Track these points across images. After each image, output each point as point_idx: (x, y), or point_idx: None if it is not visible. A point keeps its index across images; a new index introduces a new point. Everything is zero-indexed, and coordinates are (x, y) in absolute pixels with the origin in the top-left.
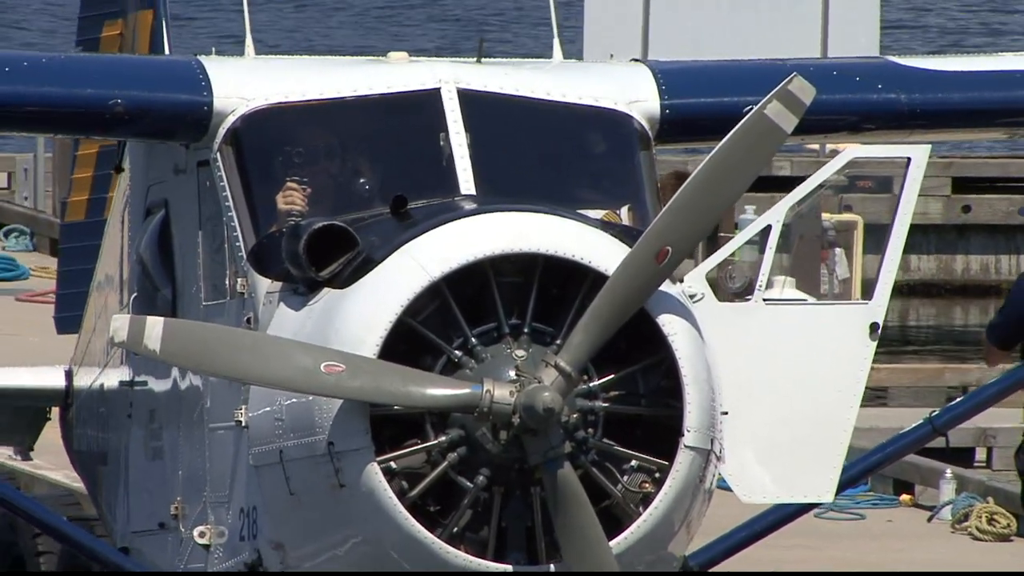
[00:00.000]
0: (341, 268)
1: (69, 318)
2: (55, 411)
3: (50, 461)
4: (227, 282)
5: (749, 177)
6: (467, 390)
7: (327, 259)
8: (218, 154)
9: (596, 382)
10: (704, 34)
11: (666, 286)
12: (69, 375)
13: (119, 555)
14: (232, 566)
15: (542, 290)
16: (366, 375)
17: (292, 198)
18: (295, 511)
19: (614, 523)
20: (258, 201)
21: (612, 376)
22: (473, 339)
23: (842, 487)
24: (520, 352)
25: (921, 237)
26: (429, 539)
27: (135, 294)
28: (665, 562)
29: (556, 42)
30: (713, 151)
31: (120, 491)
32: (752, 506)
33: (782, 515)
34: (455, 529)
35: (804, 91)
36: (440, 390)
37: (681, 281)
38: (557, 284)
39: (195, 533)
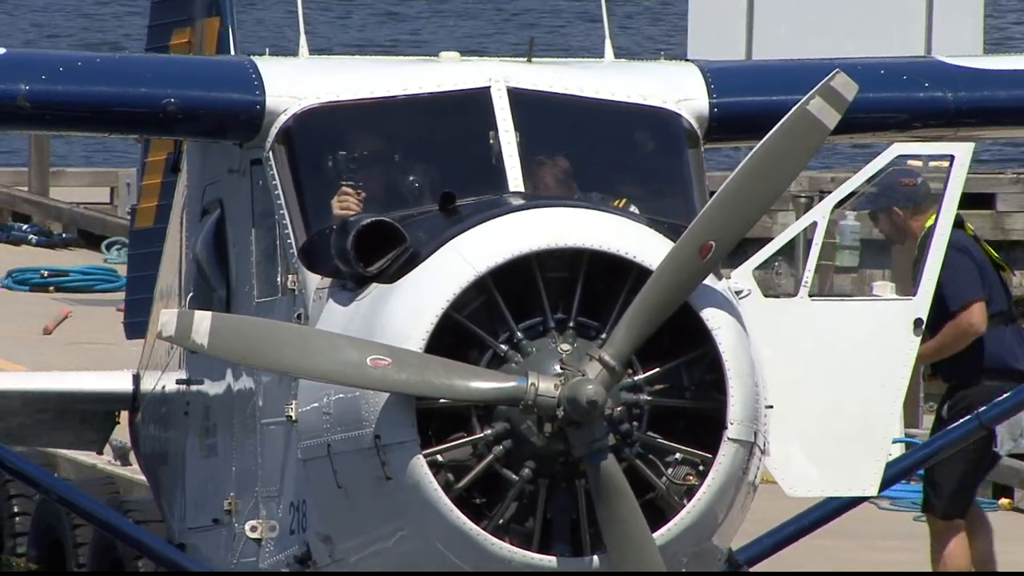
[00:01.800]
0: (389, 264)
1: (137, 324)
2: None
3: None
4: (279, 279)
5: (792, 173)
6: (512, 383)
7: (375, 255)
8: (270, 153)
9: (640, 376)
10: (808, 32)
11: (711, 281)
12: (136, 379)
13: (168, 547)
14: (282, 559)
15: (587, 285)
16: (412, 369)
17: (347, 203)
18: (342, 504)
19: (658, 515)
20: (309, 199)
21: (656, 370)
22: (519, 333)
23: (892, 482)
24: (565, 346)
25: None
26: (475, 531)
27: (191, 294)
28: (710, 554)
29: (607, 41)
30: (756, 147)
31: (178, 489)
32: (800, 501)
33: (829, 510)
34: (500, 521)
35: (847, 87)
36: (485, 383)
37: (728, 277)
38: (603, 279)
39: (247, 528)
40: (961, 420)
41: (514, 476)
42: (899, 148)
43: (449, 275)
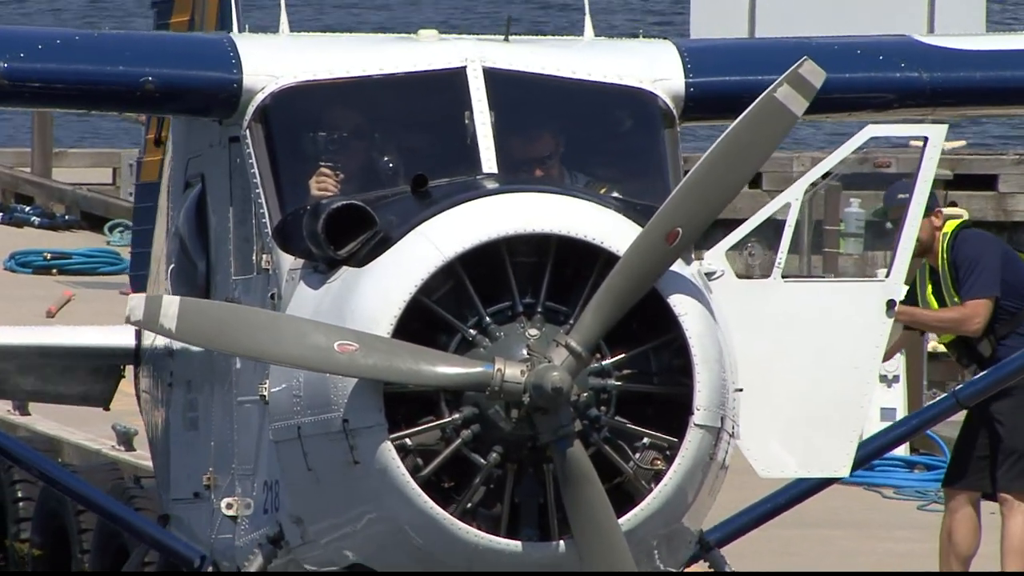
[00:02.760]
0: (359, 247)
1: (142, 277)
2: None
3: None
4: (254, 258)
5: (759, 159)
6: (479, 369)
7: (346, 238)
8: (247, 131)
9: (608, 361)
10: (811, 10)
11: (679, 267)
12: (139, 334)
13: (157, 529)
14: (256, 538)
15: (557, 271)
16: (379, 354)
17: (325, 183)
18: (313, 487)
19: (627, 499)
20: (285, 178)
21: (623, 355)
22: (487, 318)
23: (865, 460)
24: (533, 331)
25: None
26: (441, 515)
27: (172, 266)
28: (680, 537)
29: (587, 20)
30: (724, 133)
31: (164, 458)
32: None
33: (799, 492)
34: (468, 506)
35: (814, 74)
36: (452, 368)
37: (700, 259)
38: (572, 264)
39: (223, 505)
40: (938, 399)
41: (482, 460)
42: (872, 129)
43: (417, 260)
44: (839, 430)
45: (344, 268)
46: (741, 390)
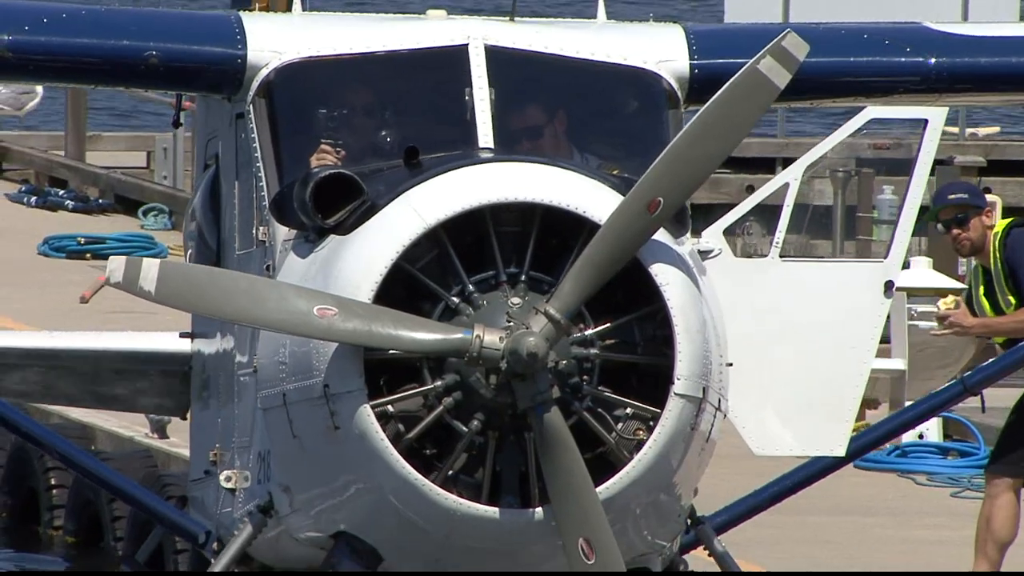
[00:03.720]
0: (347, 216)
1: None
2: None
3: (185, 439)
4: (253, 231)
5: (742, 131)
6: (457, 335)
7: (335, 207)
8: (251, 106)
9: (591, 331)
10: None
11: (664, 237)
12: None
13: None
14: (251, 509)
15: (543, 240)
16: (358, 319)
17: (325, 160)
18: (298, 454)
19: (610, 469)
20: (284, 151)
21: (606, 325)
22: (470, 286)
23: (874, 445)
24: (516, 300)
25: None
26: (420, 481)
27: (191, 249)
28: (667, 509)
29: (600, 3)
30: (707, 104)
31: (189, 443)
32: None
33: (801, 478)
34: (450, 473)
35: (798, 47)
36: (430, 334)
37: (698, 236)
38: (558, 235)
39: (222, 478)
40: (946, 385)
41: (464, 428)
42: (872, 112)
43: (400, 227)
44: (835, 409)
45: (332, 236)
46: (731, 364)
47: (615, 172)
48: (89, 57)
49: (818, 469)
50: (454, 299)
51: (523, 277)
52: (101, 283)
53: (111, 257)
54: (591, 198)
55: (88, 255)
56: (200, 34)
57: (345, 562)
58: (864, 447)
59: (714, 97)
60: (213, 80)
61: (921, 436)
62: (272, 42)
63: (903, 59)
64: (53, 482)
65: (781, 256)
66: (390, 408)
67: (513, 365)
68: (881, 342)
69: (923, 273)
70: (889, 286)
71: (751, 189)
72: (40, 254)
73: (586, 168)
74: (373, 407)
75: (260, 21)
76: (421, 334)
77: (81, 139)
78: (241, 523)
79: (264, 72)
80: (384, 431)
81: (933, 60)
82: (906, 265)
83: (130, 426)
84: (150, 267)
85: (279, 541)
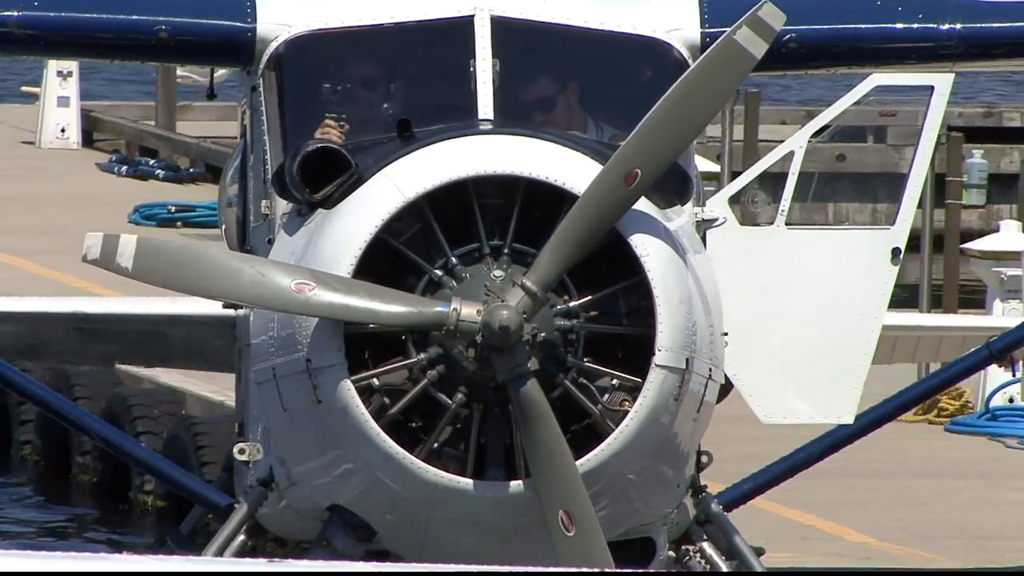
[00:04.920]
0: (334, 190)
1: None
2: None
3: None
4: (260, 205)
5: (719, 101)
6: (435, 309)
7: (324, 181)
8: (261, 79)
9: (575, 303)
10: None
11: (646, 207)
12: None
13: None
14: (252, 483)
15: (527, 213)
16: (335, 293)
17: (329, 133)
18: (289, 427)
19: (598, 440)
20: (290, 124)
21: (588, 297)
22: (453, 259)
23: (898, 412)
24: (498, 272)
25: None
26: (401, 454)
27: (224, 224)
28: (660, 478)
29: None
30: (684, 75)
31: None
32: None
33: (812, 453)
34: (434, 446)
35: (774, 17)
36: (408, 308)
37: (702, 206)
38: (542, 207)
39: (235, 451)
40: (972, 350)
41: (448, 401)
42: (877, 78)
43: (379, 201)
44: (843, 376)
45: (319, 211)
46: (726, 334)
47: (620, 143)
48: (98, 32)
49: (835, 440)
50: (437, 272)
51: (506, 250)
52: None
53: (88, 233)
54: (573, 170)
55: (179, 223)
56: (211, 7)
57: (339, 535)
58: (886, 414)
59: (691, 67)
60: (223, 54)
61: (1011, 400)
62: (283, 15)
63: (915, 25)
64: (144, 445)
65: (787, 224)
66: (375, 381)
67: (488, 338)
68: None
69: (1013, 237)
70: (896, 253)
71: (842, 158)
72: (131, 223)
73: (574, 139)
74: (355, 381)
75: None
76: (398, 307)
77: (172, 109)
78: (241, 498)
79: (274, 45)
80: (369, 404)
81: (946, 26)
82: (995, 229)
83: (220, 391)
84: (127, 243)
85: (284, 514)
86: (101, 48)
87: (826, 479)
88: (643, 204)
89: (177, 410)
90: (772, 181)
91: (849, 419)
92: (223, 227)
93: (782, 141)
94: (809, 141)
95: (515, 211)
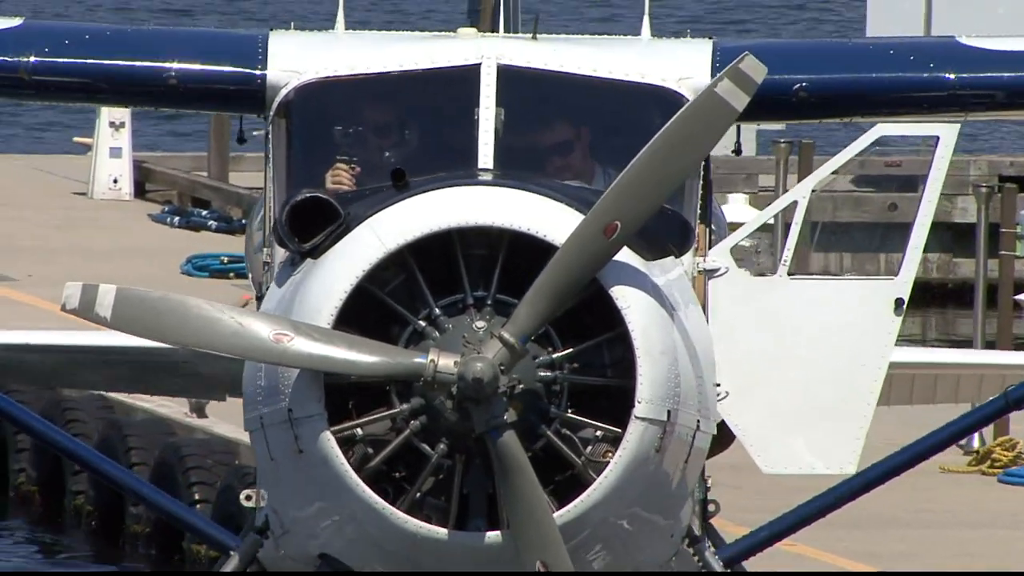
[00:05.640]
0: (323, 239)
1: None
2: None
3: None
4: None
5: (700, 154)
6: (413, 359)
7: (315, 230)
8: (270, 126)
9: (555, 354)
10: (988, 9)
11: (628, 259)
12: None
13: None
14: (247, 531)
15: (511, 264)
16: (314, 343)
17: (340, 177)
18: (276, 476)
19: (582, 491)
20: (294, 171)
21: (570, 349)
22: (436, 310)
23: (917, 460)
24: (480, 324)
25: None
26: (381, 505)
27: (251, 273)
28: (650, 528)
29: (646, 20)
30: (664, 127)
31: None
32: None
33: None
34: (417, 496)
35: (755, 70)
36: (385, 358)
37: (704, 256)
38: (527, 259)
39: (242, 497)
40: (990, 399)
41: (430, 451)
42: (882, 128)
43: (359, 252)
44: (845, 427)
45: (308, 260)
46: (719, 384)
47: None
48: (108, 78)
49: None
50: (421, 323)
51: (489, 301)
52: (244, 301)
53: (67, 283)
54: (557, 223)
55: (231, 274)
56: (223, 54)
57: None
58: (904, 463)
59: (672, 119)
60: (233, 100)
61: None
62: (294, 62)
63: (924, 75)
64: (194, 480)
65: (789, 274)
66: (359, 431)
67: (463, 389)
68: None
69: None
70: (899, 303)
71: (894, 207)
72: (183, 273)
73: (566, 191)
74: (335, 432)
75: (287, 40)
76: (376, 358)
77: (224, 160)
78: (233, 549)
79: (284, 92)
80: (352, 454)
81: (954, 76)
82: None
83: None
84: (106, 293)
85: (284, 561)
86: (111, 94)
87: (877, 530)
88: (627, 256)
89: (231, 460)
90: (819, 230)
91: (852, 469)
92: (250, 275)
93: (842, 192)
94: (813, 191)
95: (499, 262)
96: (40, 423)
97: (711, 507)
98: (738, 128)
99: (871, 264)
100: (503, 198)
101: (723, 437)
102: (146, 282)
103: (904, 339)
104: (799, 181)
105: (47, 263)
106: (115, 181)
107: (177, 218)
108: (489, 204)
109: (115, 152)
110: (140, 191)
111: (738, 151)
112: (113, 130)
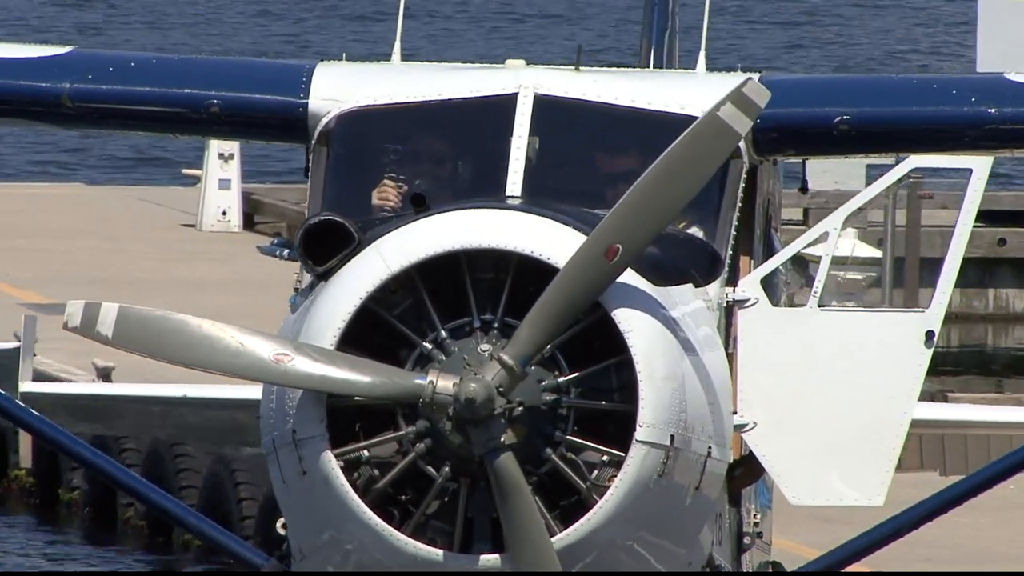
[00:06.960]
0: (338, 263)
1: None
2: None
3: None
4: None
5: (702, 178)
6: (413, 381)
7: (331, 253)
8: (312, 154)
9: (564, 378)
10: None
11: (634, 281)
12: None
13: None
14: (269, 558)
15: (519, 288)
16: (314, 364)
17: (387, 194)
18: (289, 499)
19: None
20: (331, 197)
21: (576, 373)
22: (443, 332)
23: (958, 501)
24: (485, 346)
25: None
26: (382, 527)
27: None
28: (663, 553)
29: (702, 54)
30: (667, 150)
31: None
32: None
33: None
34: (422, 519)
35: (758, 94)
36: (385, 379)
37: (734, 287)
38: (535, 282)
39: (278, 525)
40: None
41: (435, 473)
42: (915, 160)
43: (364, 274)
44: (874, 458)
45: (321, 283)
46: (735, 412)
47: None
48: (149, 105)
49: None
50: (427, 345)
51: (496, 324)
52: None
53: (69, 301)
54: (563, 246)
55: None
56: (265, 82)
57: None
58: (942, 506)
59: (674, 143)
60: (276, 128)
61: None
62: (334, 91)
63: (965, 109)
64: (242, 495)
65: (820, 306)
66: (366, 453)
67: (459, 411)
68: None
69: None
70: (930, 336)
71: (1003, 242)
72: (292, 305)
73: (582, 217)
74: (340, 454)
75: (332, 70)
76: (375, 379)
77: None
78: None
79: (325, 120)
80: (357, 477)
81: (996, 111)
82: None
83: None
84: (108, 312)
85: None
86: (153, 121)
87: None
88: (634, 280)
89: None
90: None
91: (880, 501)
92: None
93: (948, 227)
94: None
95: (507, 285)
96: (87, 449)
97: (746, 540)
98: (803, 164)
99: (978, 300)
100: (511, 221)
101: (753, 468)
102: (255, 316)
103: None
104: (907, 216)
105: (155, 295)
106: (224, 213)
107: (287, 250)
108: (497, 227)
109: (224, 184)
110: (249, 223)
111: (804, 188)
112: (222, 161)
